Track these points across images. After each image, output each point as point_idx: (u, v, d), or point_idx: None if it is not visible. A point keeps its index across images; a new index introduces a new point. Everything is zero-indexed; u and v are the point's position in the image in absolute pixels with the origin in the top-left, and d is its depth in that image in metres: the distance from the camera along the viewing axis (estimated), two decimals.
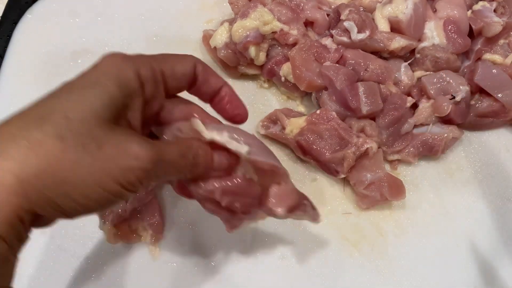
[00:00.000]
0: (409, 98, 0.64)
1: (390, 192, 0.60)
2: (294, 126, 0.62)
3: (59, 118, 0.33)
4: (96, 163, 0.33)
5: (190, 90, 0.43)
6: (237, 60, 0.68)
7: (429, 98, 0.65)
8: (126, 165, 0.34)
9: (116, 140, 0.34)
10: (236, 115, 0.45)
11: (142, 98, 0.38)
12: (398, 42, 0.64)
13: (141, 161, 0.34)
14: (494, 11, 0.67)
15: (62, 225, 0.62)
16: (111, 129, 0.34)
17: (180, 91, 0.42)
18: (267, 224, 0.61)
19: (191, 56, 0.42)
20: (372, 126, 0.62)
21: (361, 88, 0.61)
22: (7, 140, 0.32)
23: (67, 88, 0.35)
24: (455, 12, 0.66)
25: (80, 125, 0.33)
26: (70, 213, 0.34)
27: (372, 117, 0.63)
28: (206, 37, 0.70)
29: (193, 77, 0.42)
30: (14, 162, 0.31)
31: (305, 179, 0.65)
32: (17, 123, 0.34)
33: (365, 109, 0.61)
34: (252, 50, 0.65)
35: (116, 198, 0.35)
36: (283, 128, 0.63)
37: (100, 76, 0.36)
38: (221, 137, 0.41)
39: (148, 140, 0.36)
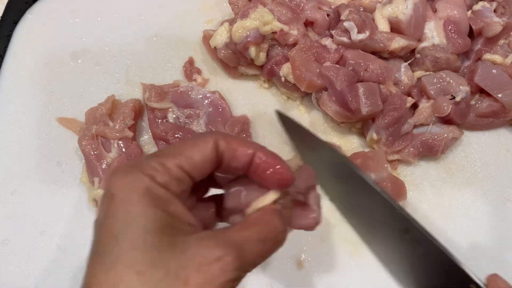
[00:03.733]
0: (409, 98, 0.64)
1: (393, 192, 0.60)
2: None
3: (134, 279, 0.30)
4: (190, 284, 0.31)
5: (218, 170, 0.38)
6: (237, 60, 0.68)
7: (429, 98, 0.65)
8: (218, 271, 0.31)
9: (192, 257, 0.32)
10: (278, 180, 0.38)
11: (177, 197, 0.35)
12: (398, 42, 0.64)
13: (225, 262, 0.32)
14: (494, 11, 0.67)
15: (62, 225, 0.63)
16: (179, 250, 0.32)
17: (206, 174, 0.38)
18: None
19: (210, 135, 0.37)
20: None
21: (361, 88, 0.61)
22: None
23: (112, 247, 0.32)
24: (455, 12, 0.66)
25: (155, 271, 0.31)
26: None
27: (372, 117, 0.63)
28: (206, 37, 0.70)
29: (217, 158, 0.37)
30: None
31: None
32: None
33: (364, 110, 0.61)
34: (252, 50, 0.65)
35: None
36: None
37: (131, 208, 0.33)
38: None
39: (217, 235, 0.34)
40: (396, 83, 0.65)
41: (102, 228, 0.34)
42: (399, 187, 0.61)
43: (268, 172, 0.37)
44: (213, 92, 0.68)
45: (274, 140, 0.68)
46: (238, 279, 0.33)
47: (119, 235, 0.32)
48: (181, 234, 0.33)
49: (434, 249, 0.51)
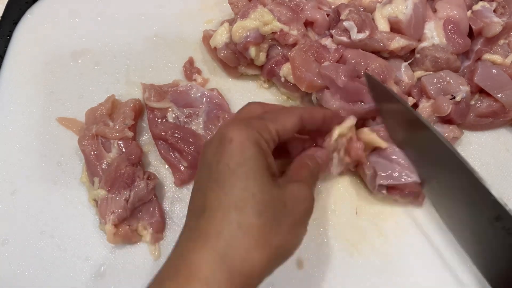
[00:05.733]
0: (409, 98, 0.64)
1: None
2: None
3: (250, 200, 0.41)
4: (290, 217, 0.43)
5: (299, 132, 0.51)
6: (237, 60, 0.68)
7: (429, 98, 0.65)
8: (305, 209, 0.45)
9: (288, 193, 0.44)
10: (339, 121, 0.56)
11: (270, 153, 0.46)
12: (398, 42, 0.64)
13: (309, 200, 0.46)
14: (494, 11, 0.67)
15: (62, 225, 0.63)
16: (278, 186, 0.43)
17: (289, 137, 0.50)
18: None
19: (297, 110, 0.50)
20: None
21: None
22: (221, 224, 0.40)
23: (229, 176, 0.42)
24: (455, 12, 0.66)
25: (264, 196, 0.41)
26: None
27: (373, 115, 0.63)
28: (206, 37, 0.70)
29: (300, 127, 0.49)
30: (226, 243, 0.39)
31: None
32: (223, 215, 0.41)
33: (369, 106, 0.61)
34: (252, 51, 0.65)
35: (303, 238, 0.45)
36: None
37: (246, 151, 0.42)
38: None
39: (298, 180, 0.47)
40: (396, 83, 0.65)
41: (220, 163, 0.42)
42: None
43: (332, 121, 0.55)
44: (212, 90, 0.68)
45: None
46: (311, 214, 0.47)
47: (236, 169, 0.42)
48: (275, 177, 0.45)
49: None
